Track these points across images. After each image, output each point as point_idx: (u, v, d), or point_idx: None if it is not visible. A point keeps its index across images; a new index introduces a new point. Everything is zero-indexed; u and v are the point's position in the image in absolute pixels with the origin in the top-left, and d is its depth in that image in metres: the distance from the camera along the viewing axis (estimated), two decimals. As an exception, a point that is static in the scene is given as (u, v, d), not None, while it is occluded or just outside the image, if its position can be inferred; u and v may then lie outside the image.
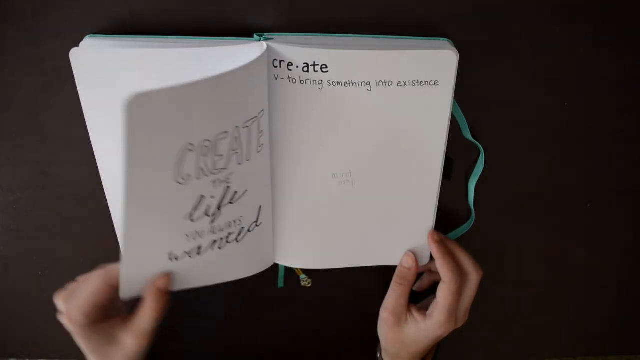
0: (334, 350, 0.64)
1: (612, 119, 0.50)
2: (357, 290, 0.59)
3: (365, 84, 0.42)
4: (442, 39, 0.44)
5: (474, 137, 0.49)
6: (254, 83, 0.40)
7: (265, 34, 0.42)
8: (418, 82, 0.42)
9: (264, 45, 0.41)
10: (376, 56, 0.40)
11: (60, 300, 0.46)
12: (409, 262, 0.51)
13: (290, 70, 0.41)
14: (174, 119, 0.36)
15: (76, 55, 0.40)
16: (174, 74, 0.41)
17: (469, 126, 0.49)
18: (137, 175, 0.37)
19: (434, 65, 0.41)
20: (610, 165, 0.53)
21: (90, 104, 0.43)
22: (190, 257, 0.45)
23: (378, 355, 0.58)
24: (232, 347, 0.64)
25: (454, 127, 0.47)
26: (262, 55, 0.39)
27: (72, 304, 0.45)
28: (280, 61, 0.41)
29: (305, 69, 0.41)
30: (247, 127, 0.40)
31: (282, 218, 0.50)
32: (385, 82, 0.42)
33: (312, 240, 0.51)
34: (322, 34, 0.44)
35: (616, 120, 0.50)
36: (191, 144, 0.38)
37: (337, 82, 0.41)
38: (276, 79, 0.42)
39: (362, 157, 0.46)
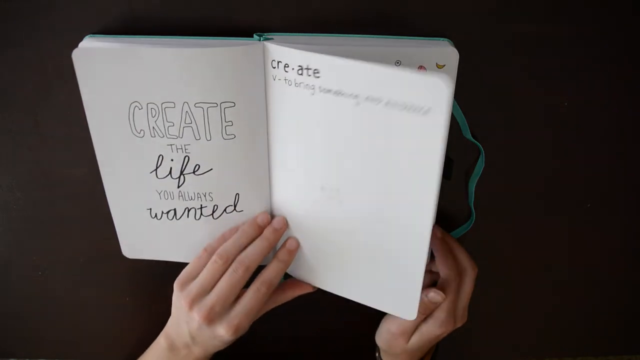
0: (334, 350, 0.64)
1: (612, 119, 0.50)
2: (357, 290, 0.59)
3: (354, 97, 0.39)
4: (442, 39, 0.44)
5: (474, 137, 0.49)
6: (216, 72, 0.41)
7: (265, 34, 0.42)
8: (407, 107, 0.37)
9: (262, 45, 0.41)
10: (367, 70, 0.37)
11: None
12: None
13: (287, 71, 0.41)
14: (119, 76, 0.42)
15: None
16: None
17: (469, 126, 0.49)
18: (99, 125, 0.45)
19: (426, 92, 0.36)
20: (610, 165, 0.53)
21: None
22: (169, 218, 0.49)
23: (377, 355, 0.58)
24: (232, 347, 0.64)
25: (454, 127, 0.47)
26: (226, 50, 0.40)
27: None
28: (278, 62, 0.41)
29: (300, 71, 0.40)
30: (200, 107, 0.43)
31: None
32: (373, 99, 0.38)
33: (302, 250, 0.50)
34: (322, 34, 0.44)
35: (616, 120, 0.50)
36: (138, 102, 0.43)
37: (328, 90, 0.39)
38: (274, 79, 0.42)
39: (350, 174, 0.43)
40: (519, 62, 0.47)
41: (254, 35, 0.42)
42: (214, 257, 0.46)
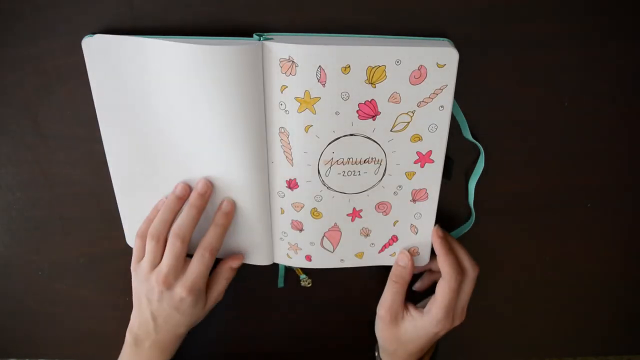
0: (333, 349, 0.64)
1: (612, 119, 0.50)
2: (357, 290, 0.59)
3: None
4: (442, 39, 0.44)
5: (474, 137, 0.49)
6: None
7: (265, 33, 0.42)
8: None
9: (262, 45, 0.41)
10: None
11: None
12: (404, 261, 0.51)
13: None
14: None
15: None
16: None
17: (469, 126, 0.49)
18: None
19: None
20: (610, 165, 0.53)
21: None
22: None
23: (376, 355, 0.58)
24: (232, 347, 0.64)
25: (454, 127, 0.47)
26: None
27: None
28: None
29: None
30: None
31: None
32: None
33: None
34: (322, 34, 0.44)
35: (616, 120, 0.50)
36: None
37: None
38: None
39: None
40: (519, 62, 0.47)
41: (254, 35, 0.42)
42: (147, 240, 0.47)
